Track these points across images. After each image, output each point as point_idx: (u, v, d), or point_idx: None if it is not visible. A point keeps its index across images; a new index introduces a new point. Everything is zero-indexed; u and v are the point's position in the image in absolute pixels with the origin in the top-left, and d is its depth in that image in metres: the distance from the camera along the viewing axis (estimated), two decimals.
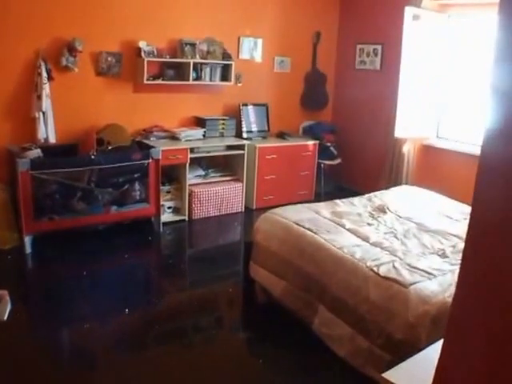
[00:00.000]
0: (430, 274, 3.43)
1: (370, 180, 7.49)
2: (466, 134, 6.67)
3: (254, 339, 4.10)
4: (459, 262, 3.51)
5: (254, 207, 7.03)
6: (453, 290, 3.05)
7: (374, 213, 4.75)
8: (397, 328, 3.10)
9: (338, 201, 5.00)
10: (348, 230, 4.20)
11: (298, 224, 4.21)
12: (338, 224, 4.30)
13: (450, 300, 2.95)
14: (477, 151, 5.98)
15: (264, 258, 4.28)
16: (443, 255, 3.84)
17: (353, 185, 7.87)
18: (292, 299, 3.96)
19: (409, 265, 3.55)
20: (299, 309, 3.89)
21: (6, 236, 5.35)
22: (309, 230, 4.10)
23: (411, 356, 2.17)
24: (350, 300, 3.45)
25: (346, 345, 3.45)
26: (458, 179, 6.24)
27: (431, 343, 2.19)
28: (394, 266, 3.50)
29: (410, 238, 4.15)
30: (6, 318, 1.50)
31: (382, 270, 3.43)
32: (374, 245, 3.92)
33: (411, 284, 3.25)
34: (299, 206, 4.83)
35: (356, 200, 5.11)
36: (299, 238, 4.06)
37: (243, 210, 6.97)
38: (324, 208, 4.72)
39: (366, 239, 4.02)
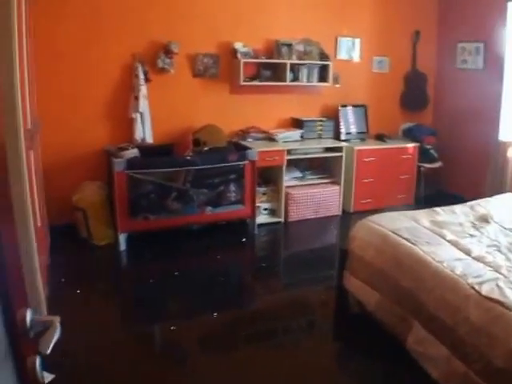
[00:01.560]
0: None
1: (471, 185, 7.19)
2: None
3: (344, 350, 3.97)
4: None
5: (352, 211, 6.88)
6: None
7: (476, 223, 4.40)
8: (498, 355, 2.78)
9: (438, 209, 4.68)
10: (449, 241, 3.90)
11: (395, 233, 3.98)
12: (438, 235, 4.01)
13: None
14: None
15: (359, 268, 4.08)
16: None
17: (453, 189, 7.56)
18: (386, 313, 3.73)
19: None
20: (393, 324, 3.65)
21: (102, 232, 5.50)
22: (407, 240, 3.86)
23: None
24: (448, 319, 3.16)
25: (440, 366, 3.17)
26: None
27: None
28: (497, 285, 3.17)
29: None
30: (50, 350, 1.35)
31: (485, 289, 3.11)
32: (477, 259, 3.61)
33: None
34: (397, 213, 4.56)
35: (457, 208, 4.76)
36: (396, 248, 3.83)
37: (340, 213, 6.82)
38: (423, 216, 4.44)
39: (467, 253, 3.71)
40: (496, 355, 2.78)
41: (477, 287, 3.13)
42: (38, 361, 1.28)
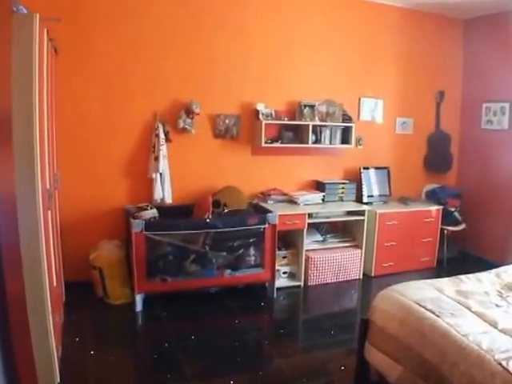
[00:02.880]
0: None
1: (497, 248, 7.11)
2: None
3: None
4: None
5: (373, 274, 6.77)
6: None
7: (502, 291, 4.25)
8: None
9: (462, 277, 4.52)
10: (474, 312, 3.75)
11: (419, 304, 3.84)
12: (464, 305, 3.87)
13: None
14: None
15: (381, 340, 3.93)
16: None
17: (478, 252, 7.47)
18: None
19: None
20: None
21: (118, 292, 5.47)
22: (431, 311, 3.71)
23: None
24: None
25: None
26: None
27: None
28: None
29: None
30: None
31: None
32: (504, 332, 3.45)
33: None
34: (421, 282, 4.42)
35: (483, 276, 4.60)
36: (420, 320, 3.67)
37: (361, 276, 6.71)
38: (448, 285, 4.30)
39: (494, 325, 3.56)
40: None
41: (504, 363, 2.97)
42: None
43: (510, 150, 7.02)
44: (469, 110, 7.73)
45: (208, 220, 5.43)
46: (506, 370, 2.93)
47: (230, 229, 5.50)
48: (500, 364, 2.97)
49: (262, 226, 5.65)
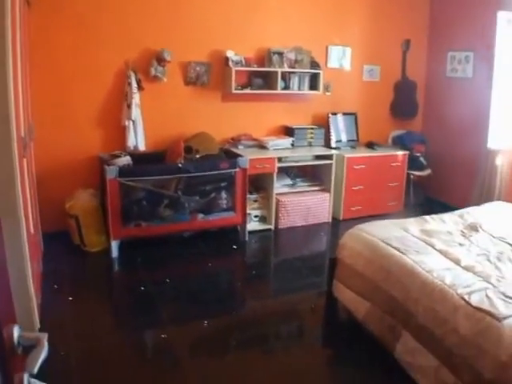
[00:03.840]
0: None
1: (460, 192, 7.29)
2: None
3: (333, 357, 3.96)
4: None
5: (341, 218, 6.93)
6: None
7: (465, 231, 4.41)
8: (487, 366, 2.79)
9: (427, 217, 4.71)
10: (438, 250, 3.90)
11: (385, 242, 3.99)
12: (428, 243, 4.02)
13: None
14: None
15: (348, 277, 4.10)
16: None
17: (442, 197, 7.67)
18: (376, 322, 3.74)
19: (503, 294, 3.17)
20: (382, 333, 3.66)
21: (94, 239, 5.54)
22: (397, 249, 3.86)
23: None
24: (437, 330, 3.16)
25: (429, 377, 3.17)
26: None
27: None
28: (487, 295, 3.15)
29: (505, 262, 3.78)
30: (37, 369, 1.35)
31: (474, 299, 3.10)
32: (466, 269, 3.59)
33: (506, 317, 2.89)
34: (387, 221, 4.58)
35: (447, 216, 4.77)
36: (386, 258, 3.83)
37: (330, 220, 6.88)
38: (413, 225, 4.45)
39: (457, 262, 3.70)
40: (485, 367, 2.79)
41: (466, 297, 3.12)
42: (26, 378, 1.32)
43: (473, 98, 7.12)
44: (434, 59, 7.82)
45: (180, 165, 5.51)
46: (468, 303, 3.07)
47: (202, 173, 5.60)
48: (462, 298, 3.13)
49: (233, 170, 5.76)
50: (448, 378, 3.04)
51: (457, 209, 5.08)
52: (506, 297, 3.13)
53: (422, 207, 7.15)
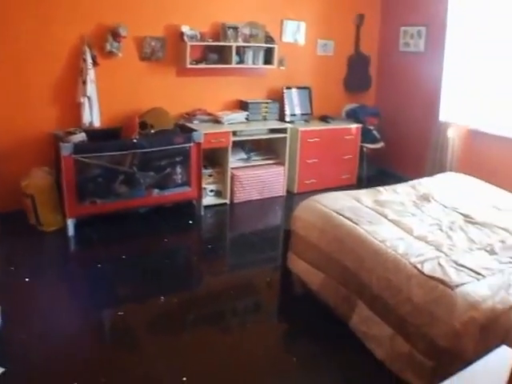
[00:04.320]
0: (478, 273, 3.13)
1: (413, 165, 7.41)
2: None
3: (290, 331, 4.01)
4: (509, 260, 3.34)
5: (296, 191, 7.00)
6: (503, 294, 2.93)
7: (418, 202, 4.49)
8: (441, 334, 2.86)
9: (380, 188, 4.77)
10: (391, 220, 3.97)
11: (338, 213, 4.02)
12: (381, 214, 4.08)
13: (500, 307, 2.83)
14: None
15: (302, 249, 4.14)
16: (492, 251, 3.53)
17: (396, 169, 7.79)
18: (330, 293, 3.79)
19: (455, 262, 3.27)
20: (337, 303, 3.72)
21: (50, 218, 5.48)
22: (349, 219, 3.90)
23: (457, 366, 1.96)
24: (391, 299, 3.23)
25: (384, 346, 3.25)
26: (506, 167, 6.13)
27: (480, 355, 1.95)
28: (439, 264, 3.23)
29: (456, 231, 3.86)
30: None
31: (427, 268, 3.18)
32: (418, 238, 3.66)
33: (458, 285, 2.97)
34: (340, 193, 4.61)
35: (399, 187, 4.85)
36: (339, 228, 3.86)
37: (285, 193, 6.94)
38: (366, 196, 4.51)
39: (409, 232, 3.77)
40: (439, 335, 2.86)
41: (419, 266, 3.20)
42: None
43: (425, 72, 7.22)
44: (387, 33, 7.90)
45: (135, 140, 5.51)
46: (421, 272, 3.16)
47: (157, 148, 5.59)
48: (415, 267, 3.21)
49: (188, 145, 5.77)
50: (403, 346, 3.12)
51: (410, 180, 5.17)
52: (458, 265, 3.22)
53: (375, 180, 7.21)
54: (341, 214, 4.01)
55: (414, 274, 3.17)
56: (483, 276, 3.12)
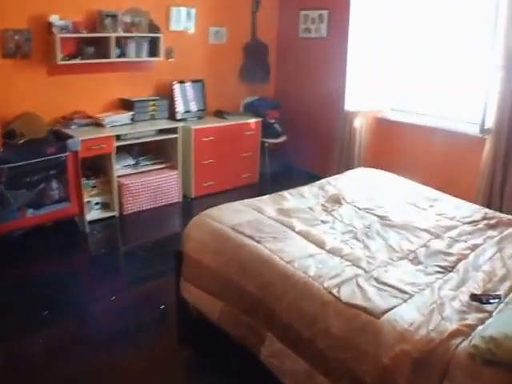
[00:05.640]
0: (403, 292, 2.77)
1: (320, 158, 7.12)
2: (425, 105, 6.28)
3: (192, 365, 3.61)
4: (436, 269, 2.71)
5: (193, 196, 6.54)
6: (437, 319, 2.51)
7: (327, 206, 4.07)
8: (367, 370, 2.46)
9: (284, 193, 4.29)
10: (298, 233, 3.49)
11: (235, 230, 3.47)
12: (286, 225, 3.58)
13: (435, 336, 2.38)
14: (432, 122, 5.60)
15: (196, 274, 3.54)
16: (415, 260, 3.20)
17: (302, 164, 7.46)
18: (233, 324, 3.23)
19: (376, 280, 2.87)
20: (243, 335, 3.16)
21: None
22: (250, 237, 3.36)
23: None
24: (305, 331, 2.74)
25: (302, 382, 2.78)
26: (414, 154, 6.08)
27: None
28: (358, 285, 2.80)
29: (374, 238, 3.51)
30: None
31: (344, 293, 2.74)
32: (332, 252, 3.22)
33: (384, 312, 2.58)
34: (238, 203, 4.04)
35: (306, 190, 4.40)
36: (238, 249, 3.32)
37: (181, 199, 6.44)
38: (268, 204, 4.00)
39: (321, 245, 3.32)
40: (365, 371, 2.46)
41: (335, 291, 2.75)
42: None
43: (328, 59, 6.94)
44: (286, 19, 7.53)
45: None
46: (338, 298, 2.71)
47: (26, 162, 4.89)
48: (330, 292, 2.76)
49: (63, 155, 5.12)
50: (323, 383, 2.65)
51: (317, 176, 4.87)
52: (380, 283, 2.85)
53: (279, 177, 7.05)
54: (240, 232, 3.45)
55: (331, 301, 2.71)
56: (410, 295, 2.76)
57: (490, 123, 5.22)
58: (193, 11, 6.65)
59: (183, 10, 6.56)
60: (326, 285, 2.81)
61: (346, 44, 6.39)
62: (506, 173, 5.17)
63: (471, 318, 2.54)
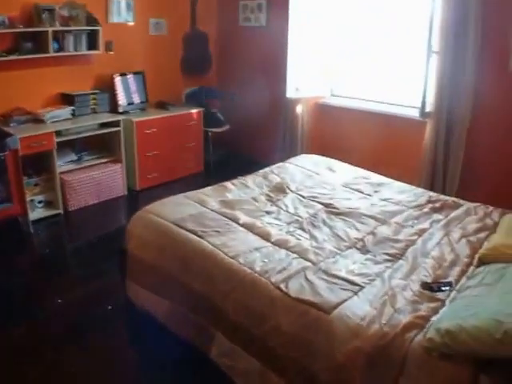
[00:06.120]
0: (354, 283, 2.76)
1: (263, 146, 7.23)
2: (366, 91, 6.42)
3: (142, 362, 3.51)
4: (385, 257, 2.72)
5: (138, 188, 6.48)
6: (389, 312, 2.51)
7: (272, 195, 4.08)
8: (321, 368, 2.43)
9: (228, 183, 4.27)
10: (243, 225, 3.47)
11: (178, 225, 3.43)
12: (230, 218, 3.57)
13: (388, 330, 2.38)
14: (373, 107, 5.76)
15: (140, 273, 3.50)
16: (364, 249, 3.21)
17: (246, 152, 7.50)
18: (180, 324, 3.21)
19: (325, 272, 2.87)
20: (191, 335, 3.14)
21: None
22: (193, 232, 3.33)
23: None
24: (255, 329, 2.71)
25: (254, 381, 2.75)
26: (357, 139, 6.17)
27: None
28: (306, 279, 2.79)
29: (320, 227, 3.50)
30: None
31: (293, 288, 2.71)
32: (277, 245, 3.20)
33: (334, 307, 2.55)
34: (180, 196, 3.99)
35: (249, 180, 4.40)
36: (181, 245, 3.28)
37: (126, 192, 6.38)
38: (211, 196, 3.98)
39: (266, 237, 3.30)
40: (319, 368, 2.44)
41: (283, 287, 2.74)
42: None
43: (269, 47, 6.96)
44: (225, 8, 7.51)
45: None
46: (286, 293, 2.69)
47: None
48: (278, 288, 2.74)
49: (2, 154, 4.99)
50: (277, 382, 2.64)
51: (262, 163, 4.88)
52: (329, 275, 2.86)
53: (224, 165, 7.11)
54: (182, 227, 3.43)
55: (279, 297, 2.70)
56: (360, 286, 2.75)
57: (429, 107, 5.33)
58: (132, 3, 6.55)
59: (122, 1, 6.46)
60: (273, 280, 2.80)
61: (286, 32, 6.41)
62: (448, 155, 5.30)
63: (424, 309, 2.54)
